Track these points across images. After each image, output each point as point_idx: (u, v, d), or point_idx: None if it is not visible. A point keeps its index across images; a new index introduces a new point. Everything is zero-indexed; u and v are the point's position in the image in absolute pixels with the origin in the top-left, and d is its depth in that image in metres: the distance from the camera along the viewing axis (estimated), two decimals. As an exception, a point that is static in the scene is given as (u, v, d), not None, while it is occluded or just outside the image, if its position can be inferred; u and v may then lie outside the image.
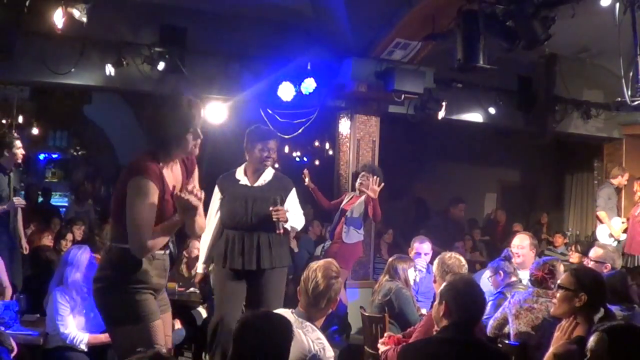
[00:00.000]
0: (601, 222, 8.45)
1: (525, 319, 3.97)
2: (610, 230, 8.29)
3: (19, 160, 6.18)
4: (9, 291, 5.04)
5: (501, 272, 4.70)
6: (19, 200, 6.12)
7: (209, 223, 4.58)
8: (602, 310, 3.12)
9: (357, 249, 6.55)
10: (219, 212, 4.69)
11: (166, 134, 2.93)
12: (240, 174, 4.72)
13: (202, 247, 4.87)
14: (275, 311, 2.98)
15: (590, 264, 4.73)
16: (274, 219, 4.47)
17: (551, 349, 2.96)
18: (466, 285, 3.00)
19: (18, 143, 6.15)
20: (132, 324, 2.97)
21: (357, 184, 6.49)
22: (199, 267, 4.98)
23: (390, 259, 5.35)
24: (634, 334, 2.32)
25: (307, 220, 9.09)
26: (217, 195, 4.72)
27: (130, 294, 2.98)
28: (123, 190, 2.89)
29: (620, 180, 8.68)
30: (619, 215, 8.66)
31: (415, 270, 5.33)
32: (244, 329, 2.50)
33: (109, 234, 3.16)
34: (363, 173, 6.45)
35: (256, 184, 4.65)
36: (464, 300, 2.90)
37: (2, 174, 6.04)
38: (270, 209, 4.47)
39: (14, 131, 9.93)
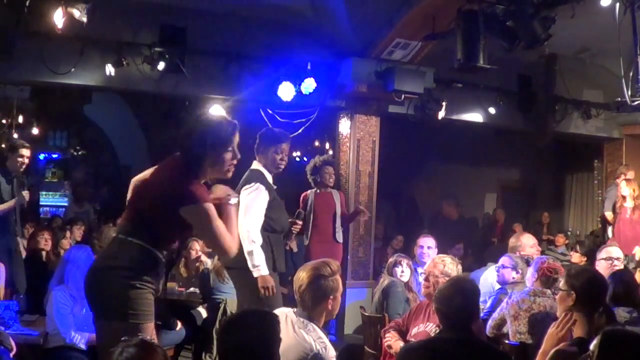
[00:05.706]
0: (609, 223, 8.40)
1: (525, 320, 3.97)
2: None
3: (21, 168, 6.02)
4: (1, 292, 5.08)
5: (519, 271, 4.68)
6: (27, 195, 6.05)
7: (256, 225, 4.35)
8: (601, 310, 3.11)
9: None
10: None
11: (205, 152, 3.02)
12: (269, 177, 4.52)
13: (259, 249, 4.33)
14: (276, 310, 2.99)
15: (608, 264, 4.65)
16: (294, 231, 4.65)
17: (554, 349, 2.94)
18: (456, 285, 3.03)
19: (23, 151, 6.01)
20: (133, 320, 2.92)
21: (325, 179, 6.62)
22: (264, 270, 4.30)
23: (390, 258, 5.38)
24: (626, 341, 2.28)
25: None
26: (265, 197, 4.41)
27: (142, 290, 2.95)
28: (171, 206, 2.93)
29: (624, 178, 8.65)
30: None
31: (414, 268, 5.36)
32: (230, 327, 2.50)
33: (123, 228, 3.05)
34: (327, 167, 6.64)
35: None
36: (455, 301, 2.93)
37: (6, 180, 5.90)
38: (298, 222, 4.68)
39: (13, 132, 9.96)
